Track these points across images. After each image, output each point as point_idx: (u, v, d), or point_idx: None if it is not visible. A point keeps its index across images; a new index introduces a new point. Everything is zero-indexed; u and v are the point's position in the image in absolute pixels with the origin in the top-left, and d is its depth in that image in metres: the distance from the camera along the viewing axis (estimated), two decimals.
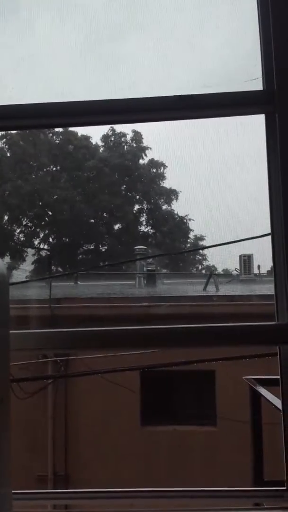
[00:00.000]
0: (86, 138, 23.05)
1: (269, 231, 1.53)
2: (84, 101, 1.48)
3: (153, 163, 23.00)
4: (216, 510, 1.49)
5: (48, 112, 1.51)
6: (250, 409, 3.75)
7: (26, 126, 1.68)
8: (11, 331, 1.27)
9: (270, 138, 1.47)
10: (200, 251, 22.40)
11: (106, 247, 21.81)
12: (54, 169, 22.16)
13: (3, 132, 21.55)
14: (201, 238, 22.43)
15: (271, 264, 1.55)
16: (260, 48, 1.55)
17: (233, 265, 13.99)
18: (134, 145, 22.81)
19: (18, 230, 21.97)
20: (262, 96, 1.49)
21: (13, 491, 1.26)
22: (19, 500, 1.48)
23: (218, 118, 1.56)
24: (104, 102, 1.46)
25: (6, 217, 21.34)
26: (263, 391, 3.59)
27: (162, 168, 22.94)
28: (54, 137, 22.59)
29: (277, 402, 3.05)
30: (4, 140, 21.39)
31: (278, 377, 1.52)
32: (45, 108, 1.50)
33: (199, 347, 1.59)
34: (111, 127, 23.08)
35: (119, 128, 23.15)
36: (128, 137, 23.06)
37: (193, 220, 22.86)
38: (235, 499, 1.56)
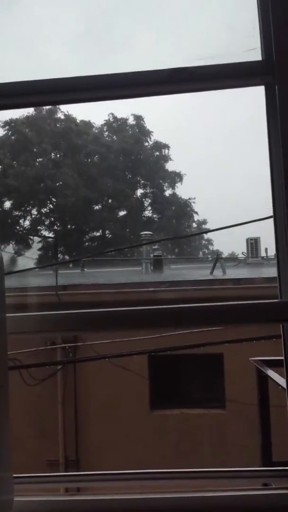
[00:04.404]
0: (89, 124, 22.89)
1: None
2: (78, 76, 1.43)
3: (157, 146, 22.81)
4: (225, 490, 1.48)
5: (42, 89, 1.47)
6: (257, 390, 3.74)
7: (19, 105, 1.64)
8: (7, 315, 1.26)
9: (270, 109, 1.42)
10: (206, 235, 22.28)
11: (111, 234, 21.77)
12: (57, 155, 22.06)
13: (7, 119, 21.43)
14: (206, 222, 22.27)
15: None
16: (258, 18, 1.50)
17: (240, 248, 13.93)
18: (137, 129, 22.65)
19: (23, 218, 21.93)
20: (261, 66, 1.44)
21: (26, 475, 1.26)
22: (32, 484, 1.49)
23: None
24: (97, 77, 1.42)
25: (10, 204, 21.29)
26: (270, 372, 3.57)
27: (166, 149, 22.74)
28: (57, 124, 22.46)
29: (283, 382, 3.03)
30: (8, 127, 21.29)
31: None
32: (38, 85, 1.46)
33: (203, 326, 1.57)
34: (110, 113, 22.82)
35: (121, 113, 22.95)
36: (131, 121, 22.87)
37: (198, 203, 22.71)
38: (243, 479, 1.56)
